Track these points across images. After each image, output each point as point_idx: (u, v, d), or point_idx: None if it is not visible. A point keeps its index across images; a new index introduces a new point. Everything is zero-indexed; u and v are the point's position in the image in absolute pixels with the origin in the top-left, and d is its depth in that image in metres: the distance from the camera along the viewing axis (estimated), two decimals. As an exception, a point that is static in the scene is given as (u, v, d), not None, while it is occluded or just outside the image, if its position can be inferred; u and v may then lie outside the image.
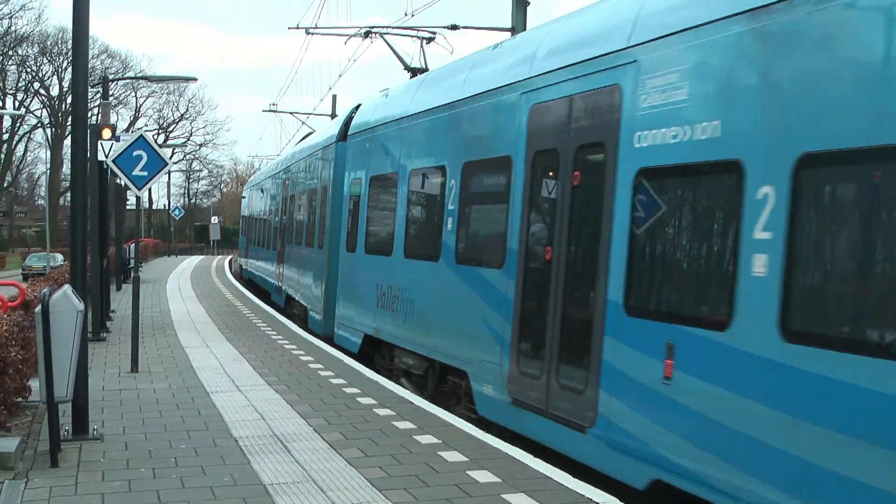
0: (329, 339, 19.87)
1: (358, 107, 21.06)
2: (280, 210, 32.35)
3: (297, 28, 34.85)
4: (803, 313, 7.08)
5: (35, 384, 10.89)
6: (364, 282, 17.69)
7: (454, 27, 27.27)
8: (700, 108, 8.38)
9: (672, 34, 8.90)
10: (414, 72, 22.02)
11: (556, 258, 10.60)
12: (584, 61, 10.36)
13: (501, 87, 12.39)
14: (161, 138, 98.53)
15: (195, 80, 31.53)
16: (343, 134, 20.94)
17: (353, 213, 19.07)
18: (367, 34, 26.75)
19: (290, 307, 27.97)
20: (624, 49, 9.59)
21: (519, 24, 25.95)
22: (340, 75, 71.57)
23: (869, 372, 6.31)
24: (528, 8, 26.15)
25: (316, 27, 34.19)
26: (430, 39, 25.92)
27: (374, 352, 17.45)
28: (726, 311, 7.71)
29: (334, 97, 55.41)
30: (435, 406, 12.63)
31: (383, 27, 25.70)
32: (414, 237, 15.40)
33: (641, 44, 9.34)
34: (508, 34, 26.06)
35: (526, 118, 11.53)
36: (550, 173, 10.97)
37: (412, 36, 26.18)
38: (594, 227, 9.86)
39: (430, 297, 14.26)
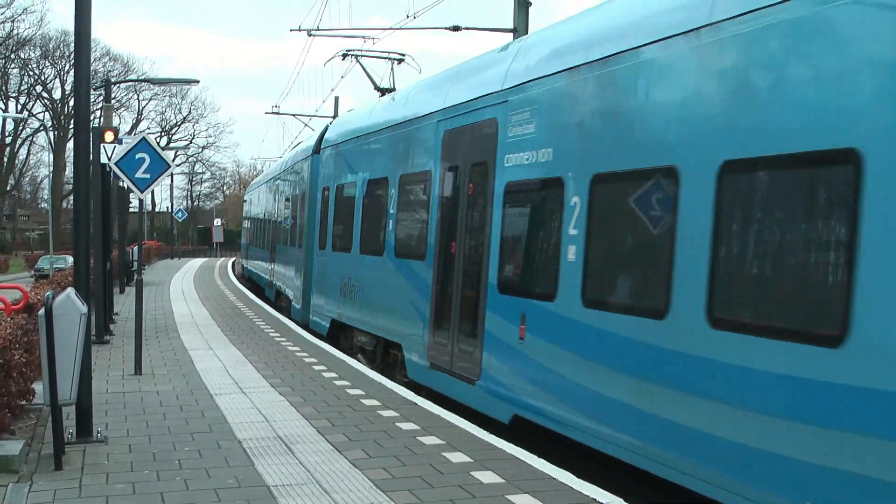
0: (306, 326, 23.09)
1: (330, 124, 24.58)
2: (271, 214, 35.91)
3: (300, 30, 34.71)
4: (595, 288, 9.96)
5: (39, 387, 10.90)
6: (331, 275, 20.90)
7: (456, 28, 27.31)
8: (541, 138, 11.31)
9: (527, 82, 11.81)
10: (383, 91, 24.53)
11: (458, 251, 13.53)
12: (475, 98, 13.37)
13: (425, 114, 15.39)
14: (163, 141, 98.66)
15: (197, 82, 31.52)
16: (317, 147, 24.12)
17: (323, 216, 22.37)
18: (344, 56, 29.20)
19: (279, 300, 30.98)
20: (499, 91, 12.53)
21: (521, 25, 25.93)
22: (343, 76, 71.31)
23: (621, 324, 9.32)
24: (530, 9, 26.15)
25: (318, 29, 34.18)
26: (399, 61, 28.47)
27: (339, 334, 20.45)
28: (553, 288, 10.59)
29: (336, 98, 55.40)
30: (439, 407, 12.64)
31: (358, 50, 28.32)
32: (367, 236, 18.35)
33: (510, 88, 12.24)
34: (510, 35, 26.08)
35: (441, 141, 14.52)
36: (455, 184, 13.92)
37: (384, 58, 28.67)
38: (481, 226, 12.77)
39: (377, 285, 17.28)
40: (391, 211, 16.69)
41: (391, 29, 29.93)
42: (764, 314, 7.53)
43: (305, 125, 54.36)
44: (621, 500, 8.37)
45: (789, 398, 7.12)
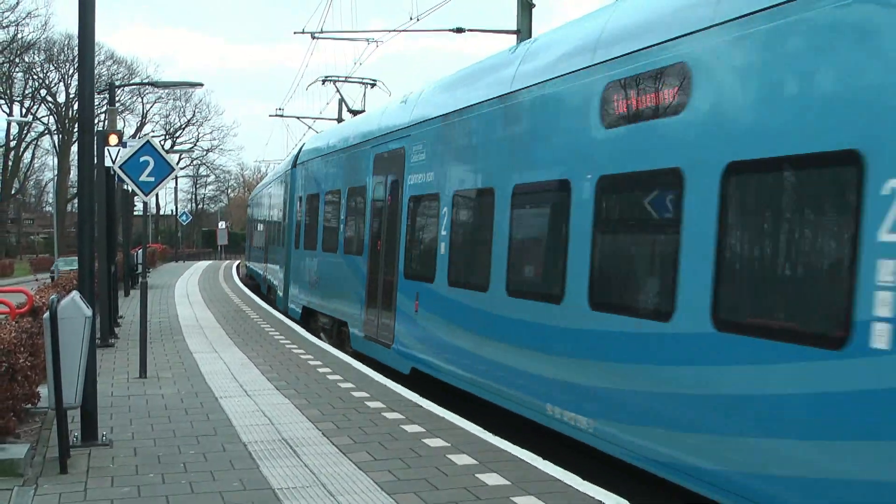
0: (285, 313, 27.73)
1: (305, 143, 28.59)
2: (265, 217, 40.34)
3: (304, 32, 34.72)
4: (457, 274, 13.81)
5: (44, 390, 10.91)
6: (303, 270, 25.47)
7: (459, 30, 27.31)
8: (427, 164, 15.36)
9: (419, 122, 15.97)
10: (355, 113, 29.41)
11: (381, 248, 17.56)
12: (391, 132, 17.55)
13: (364, 141, 19.67)
14: (168, 144, 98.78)
15: (201, 85, 31.65)
16: (294, 162, 28.50)
17: (297, 220, 27.07)
18: (323, 81, 35.18)
19: (269, 294, 35.67)
20: (405, 127, 16.72)
21: (524, 27, 25.93)
22: (346, 79, 71.35)
23: (468, 297, 13.28)
24: (534, 10, 26.14)
25: (322, 31, 34.19)
26: (372, 85, 35.22)
27: (309, 318, 24.76)
28: (433, 273, 14.53)
29: (340, 100, 55.41)
30: (444, 409, 12.65)
31: (336, 76, 34.94)
32: (327, 237, 22.72)
33: (410, 125, 16.41)
34: (514, 37, 26.08)
35: (372, 162, 18.70)
36: (381, 196, 18.02)
37: (359, 83, 36.04)
38: (395, 228, 16.69)
39: (333, 277, 21.59)
40: (342, 216, 21.18)
41: (395, 31, 29.93)
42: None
43: (309, 127, 54.35)
44: (626, 501, 8.37)
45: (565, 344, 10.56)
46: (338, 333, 21.42)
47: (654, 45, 9.22)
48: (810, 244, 7.35)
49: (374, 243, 18.12)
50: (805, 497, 7.00)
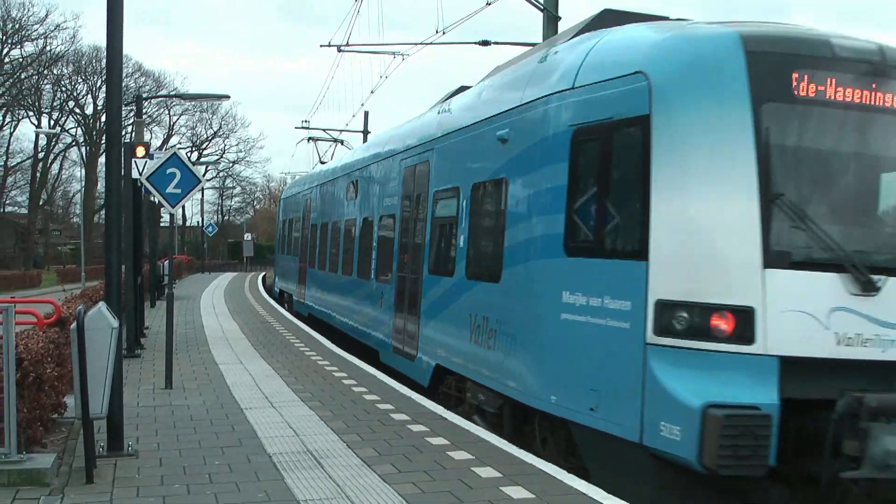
0: (272, 296, 41.18)
1: (291, 182, 49.33)
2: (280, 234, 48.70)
3: (329, 46, 34.83)
4: (314, 259, 29.14)
5: (70, 401, 10.96)
6: (286, 269, 39.38)
7: (485, 43, 27.31)
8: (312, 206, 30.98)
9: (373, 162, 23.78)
10: (324, 162, 45.71)
11: (299, 250, 33.39)
12: (300, 191, 34.13)
13: (301, 191, 33.81)
14: (194, 156, 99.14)
15: (228, 97, 31.62)
16: (282, 195, 46.23)
17: (291, 237, 38.50)
18: (309, 140, 54.32)
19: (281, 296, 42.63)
20: (309, 188, 32.11)
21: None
22: (372, 92, 71.41)
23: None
24: (560, 23, 26.11)
25: (347, 45, 34.28)
26: (341, 142, 52.77)
27: (283, 297, 37.27)
28: (324, 264, 27.17)
29: (366, 113, 55.58)
30: (469, 422, 12.62)
31: (315, 139, 53.69)
32: (286, 246, 38.62)
33: (317, 185, 31.20)
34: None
35: (280, 205, 41.69)
36: (287, 223, 39.38)
37: (331, 140, 53.92)
38: (300, 241, 30.97)
39: (288, 270, 36.93)
40: (295, 234, 36.30)
41: (421, 44, 29.99)
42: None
43: (334, 140, 54.58)
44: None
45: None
46: (289, 302, 37.98)
47: (420, 143, 17.67)
48: (477, 240, 14.15)
49: (302, 249, 33.41)
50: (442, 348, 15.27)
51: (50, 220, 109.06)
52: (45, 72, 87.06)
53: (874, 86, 9.72)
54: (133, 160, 19.41)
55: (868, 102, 9.73)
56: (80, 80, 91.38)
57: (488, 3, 26.05)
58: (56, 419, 11.49)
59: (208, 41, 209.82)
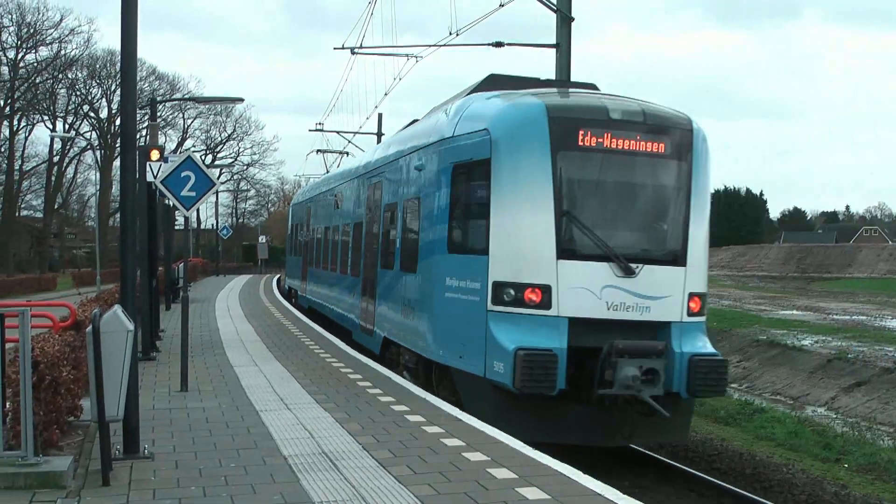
0: (281, 290, 46.59)
1: (300, 188, 57.67)
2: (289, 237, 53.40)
3: (343, 48, 34.86)
4: (312, 259, 35.12)
5: (86, 403, 10.97)
6: (299, 270, 41.00)
7: (499, 44, 27.31)
8: (307, 218, 38.00)
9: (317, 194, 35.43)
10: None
11: (301, 253, 40.15)
12: (300, 201, 43.75)
13: (302, 201, 41.98)
14: (208, 159, 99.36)
15: (242, 100, 31.66)
16: (293, 202, 50.39)
17: (297, 240, 43.21)
18: (318, 151, 61.66)
19: (280, 283, 51.98)
20: (302, 201, 42.27)
21: (563, 41, 25.88)
22: (386, 94, 71.66)
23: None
24: (573, 24, 26.07)
25: (361, 47, 34.32)
26: (347, 154, 57.00)
27: (291, 293, 41.99)
28: (321, 261, 32.02)
29: (380, 116, 55.65)
30: (484, 423, 12.61)
31: (325, 151, 60.37)
32: (294, 247, 43.68)
33: (307, 199, 39.45)
34: (553, 51, 26.04)
35: (291, 211, 48.04)
36: (294, 227, 45.63)
37: (338, 152, 60.78)
38: (301, 245, 40.00)
39: (293, 266, 43.81)
40: (299, 238, 40.98)
41: (435, 46, 30.01)
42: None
43: (349, 142, 54.68)
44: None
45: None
46: (292, 296, 43.99)
47: (377, 167, 22.49)
48: (406, 242, 18.29)
49: (299, 249, 41.42)
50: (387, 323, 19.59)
51: (65, 224, 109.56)
52: (60, 76, 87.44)
53: (637, 137, 14.64)
54: (148, 163, 19.47)
55: (631, 149, 14.61)
56: (94, 84, 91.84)
57: (501, 5, 26.06)
58: (72, 422, 11.52)
59: (222, 45, 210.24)
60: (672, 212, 15.01)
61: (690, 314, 14.69)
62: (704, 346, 14.68)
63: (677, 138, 14.98)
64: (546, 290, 14.02)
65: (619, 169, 14.69)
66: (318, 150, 61.64)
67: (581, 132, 14.37)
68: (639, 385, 13.59)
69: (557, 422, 14.06)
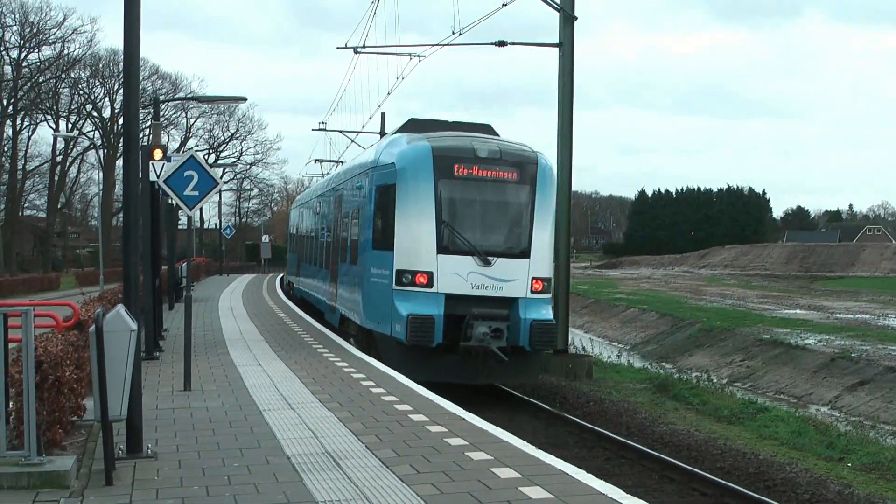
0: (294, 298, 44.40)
1: (300, 193, 61.19)
2: (288, 237, 59.85)
3: (346, 47, 34.87)
4: (303, 255, 41.15)
5: (89, 403, 10.98)
6: (295, 265, 45.18)
7: (502, 43, 27.34)
8: (302, 220, 43.68)
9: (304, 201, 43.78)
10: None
11: (300, 252, 43.40)
12: (297, 205, 50.31)
13: (299, 206, 48.77)
14: (212, 158, 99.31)
15: (245, 100, 31.46)
16: (292, 206, 56.40)
17: (293, 240, 49.21)
18: (316, 161, 68.66)
19: (289, 288, 50.15)
20: (298, 205, 49.29)
21: (566, 40, 25.88)
22: (389, 93, 71.58)
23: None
24: (576, 23, 26.07)
25: (363, 46, 34.34)
26: (342, 163, 54.43)
27: (302, 297, 41.17)
28: (315, 259, 35.97)
29: (383, 115, 55.62)
30: (487, 423, 12.61)
31: (322, 160, 66.53)
32: (295, 247, 47.16)
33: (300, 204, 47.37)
34: (556, 50, 26.03)
35: (291, 214, 53.35)
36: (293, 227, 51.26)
37: (332, 161, 65.05)
38: (292, 248, 50.48)
39: (292, 263, 48.05)
40: (295, 238, 46.72)
41: (437, 45, 30.01)
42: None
43: (352, 141, 54.75)
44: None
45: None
46: (290, 287, 48.62)
47: (339, 184, 28.79)
48: (354, 243, 24.22)
49: (298, 249, 45.13)
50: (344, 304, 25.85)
51: (68, 224, 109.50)
52: (63, 75, 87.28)
53: (497, 168, 20.55)
54: (151, 163, 19.44)
55: (491, 176, 20.55)
56: (97, 84, 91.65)
57: (504, 4, 26.08)
58: (75, 422, 11.51)
59: (223, 44, 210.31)
60: (520, 221, 20.83)
61: (534, 292, 20.44)
62: (545, 314, 20.51)
63: (525, 169, 20.84)
64: (430, 275, 20.01)
65: (482, 191, 20.67)
66: (315, 160, 70.78)
67: (456, 166, 20.41)
68: (488, 339, 19.33)
69: (438, 366, 19.61)
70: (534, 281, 20.48)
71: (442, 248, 20.07)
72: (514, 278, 20.25)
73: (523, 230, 20.75)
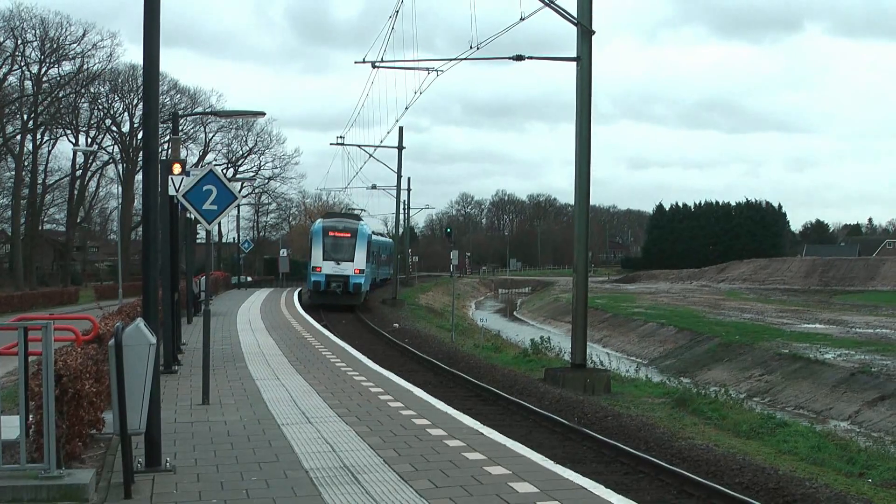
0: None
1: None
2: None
3: (364, 62, 35.03)
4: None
5: (109, 416, 10.99)
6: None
7: (520, 58, 27.34)
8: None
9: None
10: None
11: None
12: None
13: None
14: (230, 172, 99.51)
15: (263, 114, 31.49)
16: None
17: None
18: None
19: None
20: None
21: (584, 54, 25.87)
22: (407, 108, 72.02)
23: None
24: (594, 37, 26.07)
25: (382, 61, 34.51)
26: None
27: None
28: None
29: (401, 129, 55.85)
30: (506, 437, 12.58)
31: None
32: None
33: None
34: (573, 64, 26.01)
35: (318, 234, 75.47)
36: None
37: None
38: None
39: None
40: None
41: (455, 59, 30.17)
42: None
43: (370, 155, 54.98)
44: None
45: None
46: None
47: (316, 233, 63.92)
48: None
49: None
50: None
51: (87, 238, 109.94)
52: (83, 90, 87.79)
53: (343, 230, 59.26)
54: (170, 177, 19.48)
55: (341, 236, 58.41)
56: (116, 99, 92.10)
57: (522, 19, 26.13)
58: (94, 435, 11.55)
59: (230, 60, 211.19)
60: (352, 249, 57.36)
61: (355, 274, 56.64)
62: (357, 281, 57.14)
63: (354, 230, 58.86)
64: (321, 267, 56.47)
65: (338, 239, 57.72)
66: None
67: (330, 232, 58.00)
68: (335, 288, 56.37)
69: (321, 298, 56.74)
70: (355, 269, 56.64)
71: (325, 258, 56.24)
72: (348, 268, 56.20)
73: (352, 252, 56.68)
